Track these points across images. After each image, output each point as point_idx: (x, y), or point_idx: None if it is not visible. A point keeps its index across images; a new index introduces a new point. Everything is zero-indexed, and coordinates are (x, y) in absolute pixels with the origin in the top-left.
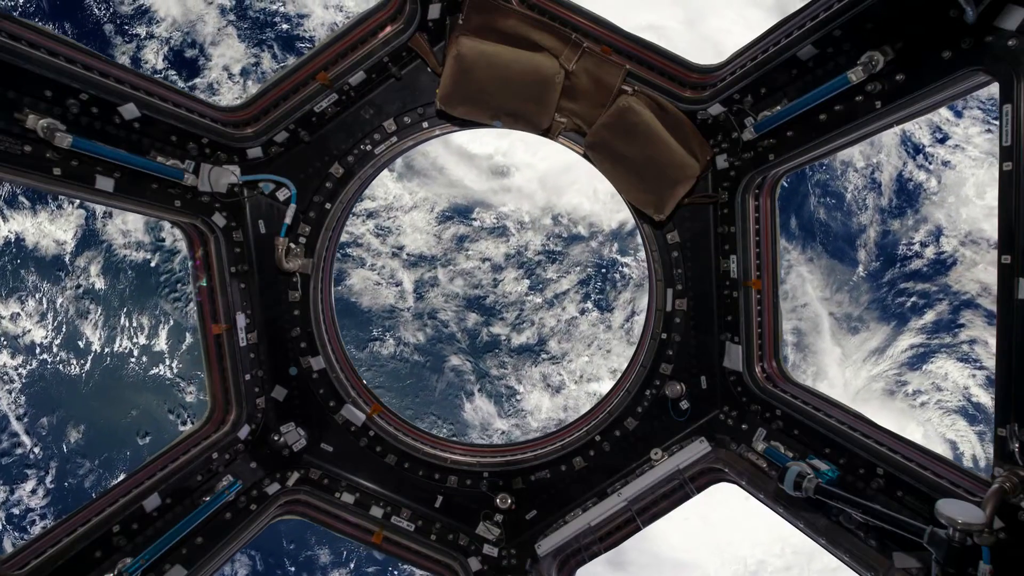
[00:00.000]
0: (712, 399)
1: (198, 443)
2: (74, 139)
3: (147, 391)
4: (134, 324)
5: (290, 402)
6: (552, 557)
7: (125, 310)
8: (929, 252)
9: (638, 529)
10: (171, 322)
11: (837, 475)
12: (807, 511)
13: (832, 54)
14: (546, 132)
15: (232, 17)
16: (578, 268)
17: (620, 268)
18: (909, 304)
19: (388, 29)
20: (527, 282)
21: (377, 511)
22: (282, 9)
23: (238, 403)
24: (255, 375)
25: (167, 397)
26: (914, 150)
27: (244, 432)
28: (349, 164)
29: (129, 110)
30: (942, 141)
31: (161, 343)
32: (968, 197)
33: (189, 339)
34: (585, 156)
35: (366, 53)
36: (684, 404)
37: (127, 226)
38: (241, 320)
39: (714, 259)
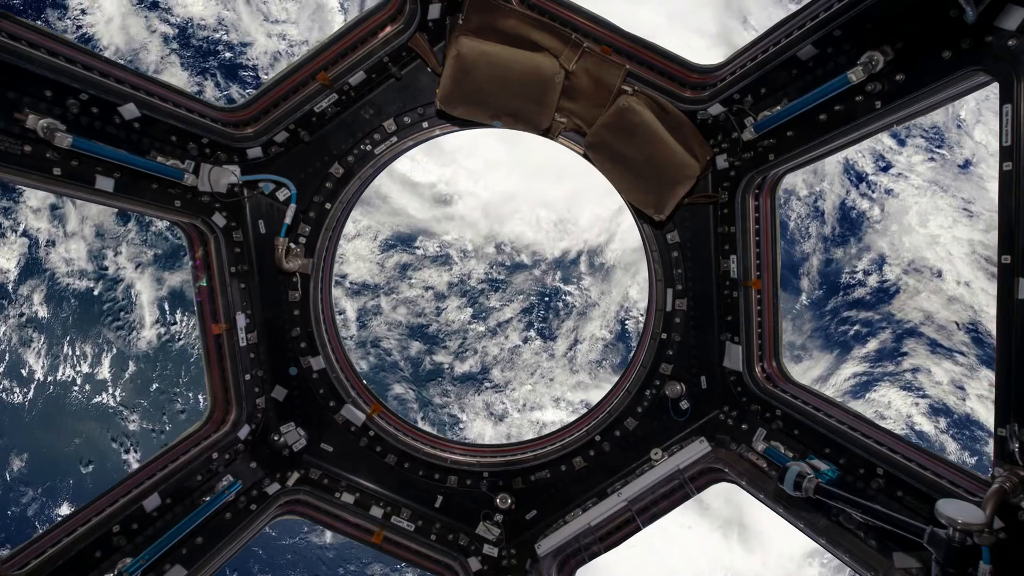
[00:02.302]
0: (712, 399)
1: (198, 443)
2: (74, 139)
3: (90, 419)
4: (77, 352)
5: (290, 402)
6: (552, 557)
7: (68, 339)
8: (872, 280)
9: (638, 529)
10: (114, 350)
11: (837, 475)
12: (807, 511)
13: (832, 54)
14: (546, 132)
15: (175, 45)
16: (521, 296)
17: (563, 296)
18: (852, 332)
19: (388, 29)
20: (470, 310)
21: (377, 511)
22: (225, 38)
23: (238, 403)
24: (255, 375)
25: (110, 425)
26: (857, 178)
27: (244, 432)
28: (349, 164)
29: (129, 110)
30: (885, 169)
31: (104, 371)
32: (911, 225)
33: (132, 367)
34: (585, 156)
35: (366, 53)
36: (684, 404)
37: (70, 255)
38: (241, 320)
39: (714, 259)
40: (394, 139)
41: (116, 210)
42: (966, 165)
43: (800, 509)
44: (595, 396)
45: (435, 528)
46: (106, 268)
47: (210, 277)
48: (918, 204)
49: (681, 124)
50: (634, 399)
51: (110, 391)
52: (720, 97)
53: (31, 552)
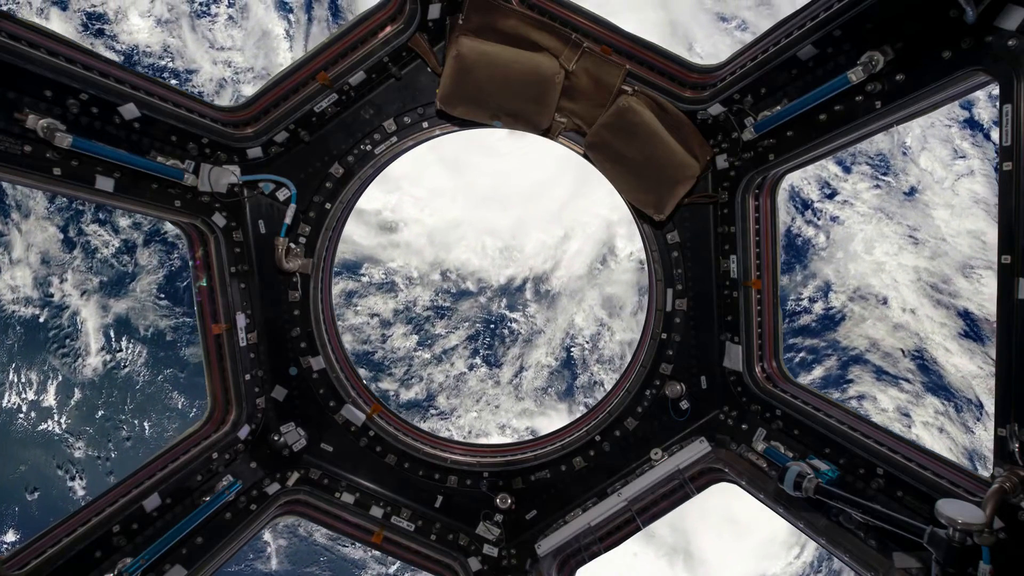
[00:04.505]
0: (712, 399)
1: (198, 443)
2: (74, 139)
3: (36, 447)
4: (22, 380)
5: (290, 402)
6: (552, 557)
7: (14, 366)
8: (818, 308)
9: (638, 529)
10: (60, 377)
11: (837, 475)
12: (807, 511)
13: (832, 54)
14: (546, 132)
15: None
16: (467, 324)
17: (509, 324)
18: (798, 360)
19: (388, 29)
20: (416, 338)
21: (377, 511)
22: (171, 65)
23: (238, 403)
24: (255, 375)
25: (56, 453)
26: (803, 205)
27: (244, 432)
28: (349, 164)
29: (129, 110)
30: (831, 196)
31: (50, 399)
32: (857, 253)
33: (78, 394)
34: (585, 156)
35: (366, 53)
36: (684, 404)
37: (16, 282)
38: (241, 320)
39: (714, 259)
40: (394, 139)
41: (61, 238)
42: (912, 192)
43: (800, 509)
44: (541, 423)
45: (435, 528)
46: (51, 295)
47: (210, 277)
48: (864, 231)
49: (681, 124)
50: (634, 399)
51: (56, 418)
52: (720, 97)
53: (31, 552)
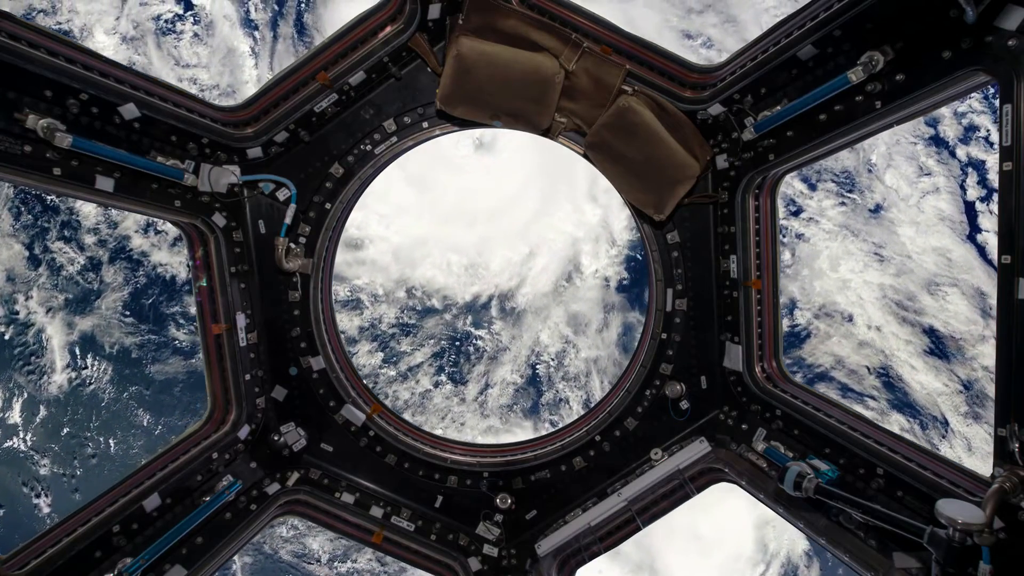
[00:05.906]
0: (712, 399)
1: (198, 443)
2: (74, 139)
3: (0, 464)
4: None
5: (290, 402)
6: (552, 557)
7: None
8: (783, 325)
9: (638, 529)
10: (25, 395)
11: (837, 475)
12: (807, 511)
13: (832, 54)
14: (546, 132)
15: None
16: (432, 341)
17: (474, 341)
18: None
19: (388, 29)
20: (381, 355)
21: (377, 511)
22: None
23: (238, 403)
24: (255, 375)
25: (21, 470)
26: None
27: (244, 432)
28: (349, 164)
29: (129, 110)
30: (796, 214)
31: (15, 416)
32: (822, 270)
33: (43, 411)
34: (585, 156)
35: (366, 53)
36: (684, 404)
37: None
38: (241, 320)
39: (714, 259)
40: (394, 139)
41: (26, 255)
42: (877, 209)
43: (800, 509)
44: (506, 440)
45: (435, 528)
46: (17, 312)
47: (210, 277)
48: (829, 248)
49: (681, 124)
50: (634, 399)
51: (21, 435)
52: (720, 97)
53: (31, 552)
